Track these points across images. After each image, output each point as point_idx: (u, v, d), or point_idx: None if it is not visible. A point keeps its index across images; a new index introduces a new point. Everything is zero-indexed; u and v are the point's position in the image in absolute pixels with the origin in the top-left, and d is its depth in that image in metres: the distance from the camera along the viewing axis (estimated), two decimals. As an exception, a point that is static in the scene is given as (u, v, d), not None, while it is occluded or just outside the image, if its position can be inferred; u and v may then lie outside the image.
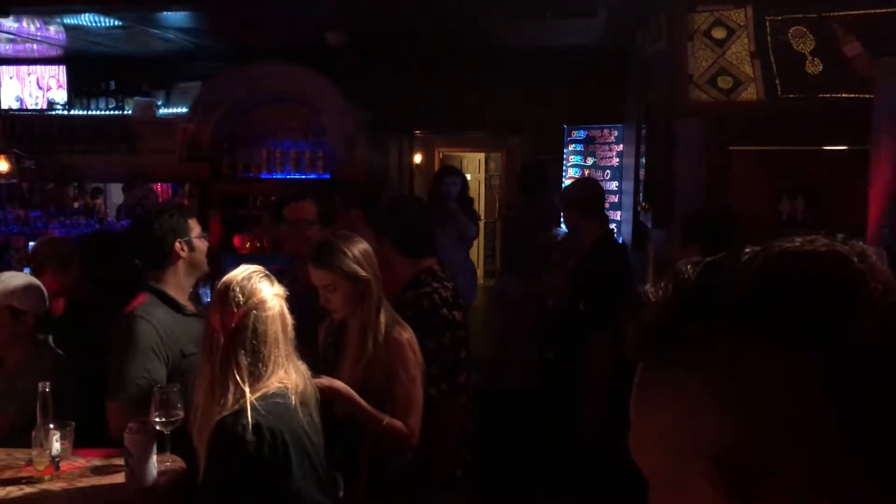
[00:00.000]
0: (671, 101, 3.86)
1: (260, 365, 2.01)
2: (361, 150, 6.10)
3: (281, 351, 2.06)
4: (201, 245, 2.93)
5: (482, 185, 12.31)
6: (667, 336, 0.60)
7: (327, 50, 5.89)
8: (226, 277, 2.07)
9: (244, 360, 1.98)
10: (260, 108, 6.33)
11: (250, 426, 1.91)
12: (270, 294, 2.07)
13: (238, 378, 1.96)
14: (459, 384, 2.83)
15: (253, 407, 1.94)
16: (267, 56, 6.13)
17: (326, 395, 2.33)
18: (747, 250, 0.59)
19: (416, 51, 6.50)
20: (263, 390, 2.00)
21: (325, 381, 2.37)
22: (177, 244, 2.84)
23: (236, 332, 1.99)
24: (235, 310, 1.99)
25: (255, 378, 2.00)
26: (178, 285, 2.86)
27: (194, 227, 2.93)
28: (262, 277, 2.09)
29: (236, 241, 6.26)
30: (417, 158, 10.13)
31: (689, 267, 0.61)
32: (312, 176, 6.27)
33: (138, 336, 2.62)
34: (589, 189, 4.01)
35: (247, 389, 1.95)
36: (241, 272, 2.08)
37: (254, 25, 5.76)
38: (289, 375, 2.07)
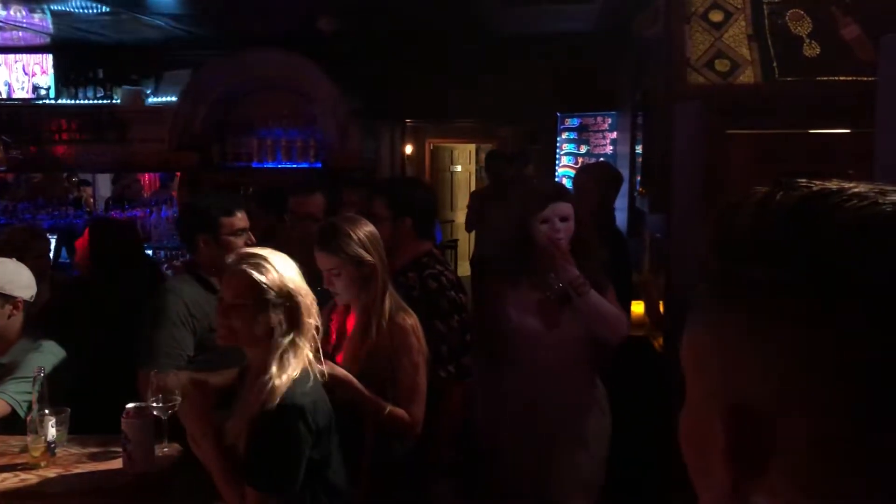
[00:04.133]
0: (668, 85, 3.83)
1: (298, 340, 2.05)
2: (353, 139, 6.05)
3: (312, 326, 2.09)
4: (233, 242, 2.82)
5: (473, 177, 12.29)
6: (724, 274, 0.57)
7: (318, 37, 5.83)
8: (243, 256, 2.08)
9: (285, 340, 2.03)
10: (250, 96, 6.26)
11: (307, 397, 1.99)
12: (294, 270, 2.11)
13: (283, 352, 2.01)
14: (464, 367, 2.81)
15: (302, 380, 2.01)
16: (258, 43, 6.07)
17: (328, 381, 2.29)
18: (837, 191, 0.54)
19: (408, 37, 6.45)
20: (301, 366, 2.04)
21: (327, 367, 2.33)
22: (200, 239, 2.87)
23: (274, 307, 2.01)
24: (271, 286, 2.01)
25: (296, 352, 2.03)
26: (211, 267, 2.84)
27: (227, 224, 2.86)
28: (281, 257, 2.12)
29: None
30: (408, 149, 10.10)
31: (772, 197, 0.56)
32: (304, 165, 6.20)
33: (166, 307, 2.72)
34: (590, 173, 4.00)
35: (293, 361, 2.01)
36: (258, 251, 2.10)
37: (244, 11, 5.69)
38: (310, 353, 2.11)
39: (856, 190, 0.53)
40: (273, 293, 2.00)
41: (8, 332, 2.82)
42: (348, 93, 6.07)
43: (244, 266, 2.02)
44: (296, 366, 2.02)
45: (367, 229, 2.50)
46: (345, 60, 6.29)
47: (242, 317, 2.02)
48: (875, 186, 0.54)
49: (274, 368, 1.97)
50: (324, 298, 2.60)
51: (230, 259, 2.10)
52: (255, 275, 2.00)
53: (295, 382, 1.99)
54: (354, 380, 2.38)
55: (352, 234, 2.45)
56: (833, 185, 0.55)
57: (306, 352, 2.07)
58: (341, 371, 2.37)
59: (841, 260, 0.50)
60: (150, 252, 6.26)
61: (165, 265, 6.01)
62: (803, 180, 0.57)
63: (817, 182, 0.56)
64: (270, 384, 1.95)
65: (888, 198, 0.52)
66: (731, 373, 0.55)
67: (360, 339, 2.48)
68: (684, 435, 0.62)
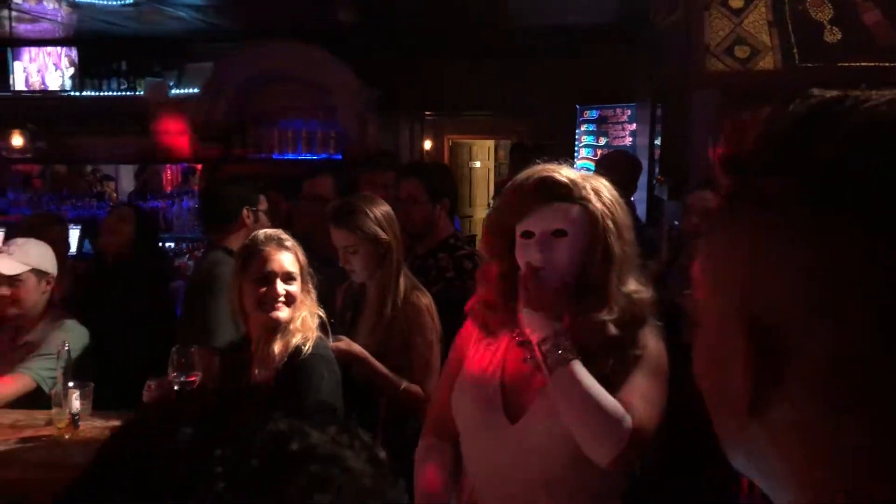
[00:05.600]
0: (688, 72, 3.83)
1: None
2: (372, 130, 6.09)
3: None
4: (264, 220, 3.14)
5: (492, 173, 12.26)
6: (736, 188, 0.56)
7: (338, 29, 5.87)
8: (269, 232, 2.26)
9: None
10: (271, 87, 6.32)
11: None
12: None
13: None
14: None
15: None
16: (279, 35, 6.11)
17: (344, 357, 2.33)
18: (854, 96, 0.50)
19: (426, 30, 6.46)
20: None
21: (343, 343, 2.37)
22: (244, 211, 3.08)
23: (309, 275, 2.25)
24: (301, 256, 2.24)
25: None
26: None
27: (262, 202, 3.20)
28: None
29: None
30: (427, 145, 10.10)
31: (801, 106, 0.52)
32: (324, 156, 6.25)
33: (221, 277, 2.75)
34: (610, 163, 4.00)
35: (314, 325, 2.23)
36: (270, 231, 2.28)
37: (265, 3, 5.73)
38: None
39: (874, 94, 0.50)
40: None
41: (38, 309, 2.87)
42: (367, 85, 6.11)
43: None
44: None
45: (382, 208, 2.53)
46: (364, 52, 6.33)
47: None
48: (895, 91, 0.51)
49: None
50: (340, 277, 2.64)
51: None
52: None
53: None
54: (370, 356, 2.41)
55: (368, 211, 2.48)
56: (851, 91, 0.52)
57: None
58: (358, 347, 2.40)
59: (854, 162, 0.47)
60: (171, 244, 6.34)
61: (187, 256, 6.07)
62: (817, 90, 0.54)
63: (834, 91, 0.53)
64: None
65: None
66: (748, 286, 0.54)
67: (376, 317, 2.51)
68: (700, 357, 0.60)
